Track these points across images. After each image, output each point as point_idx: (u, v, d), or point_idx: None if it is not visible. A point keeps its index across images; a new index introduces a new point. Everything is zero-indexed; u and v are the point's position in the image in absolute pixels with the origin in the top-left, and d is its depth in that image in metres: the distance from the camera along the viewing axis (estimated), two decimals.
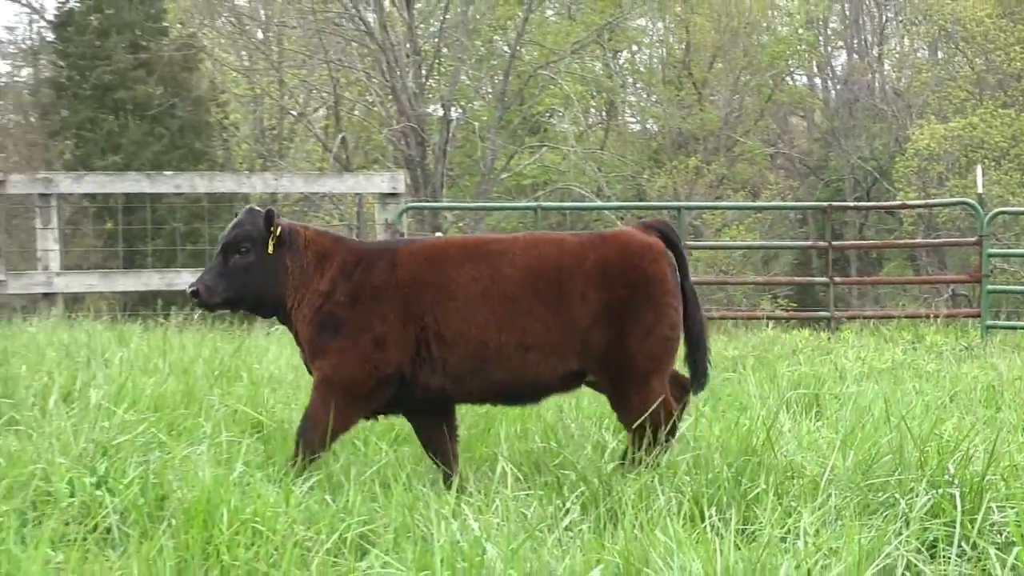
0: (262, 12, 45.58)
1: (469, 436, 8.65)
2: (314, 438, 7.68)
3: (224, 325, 14.25)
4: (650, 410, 7.73)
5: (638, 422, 7.73)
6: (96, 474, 6.78)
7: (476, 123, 41.81)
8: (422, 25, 41.30)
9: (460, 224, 38.51)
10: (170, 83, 42.54)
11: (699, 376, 8.19)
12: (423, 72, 39.50)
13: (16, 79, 55.95)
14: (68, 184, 18.55)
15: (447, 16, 40.22)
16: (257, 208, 8.09)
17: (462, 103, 44.33)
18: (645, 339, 7.85)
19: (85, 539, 6.25)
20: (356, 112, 44.47)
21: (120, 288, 19.36)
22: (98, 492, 6.62)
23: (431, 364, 7.80)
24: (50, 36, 49.25)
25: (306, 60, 41.73)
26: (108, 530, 6.39)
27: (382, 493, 6.98)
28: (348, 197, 38.34)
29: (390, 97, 39.09)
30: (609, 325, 7.83)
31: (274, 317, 8.36)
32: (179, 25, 45.49)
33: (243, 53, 45.63)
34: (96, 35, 43.26)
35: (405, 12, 38.84)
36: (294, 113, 43.73)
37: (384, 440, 8.55)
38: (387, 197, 18.85)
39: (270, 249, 7.95)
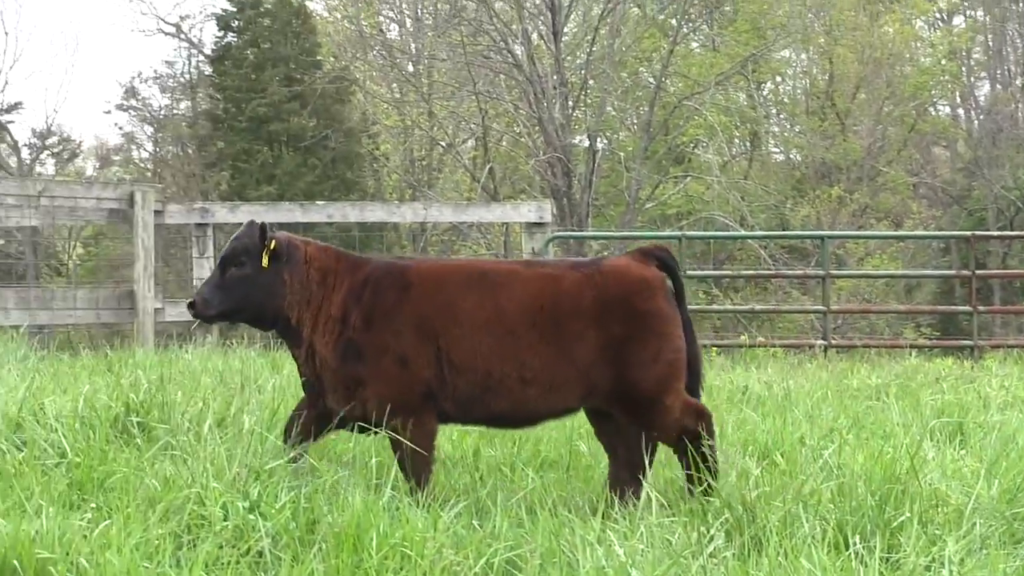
0: (413, 45, 45.99)
1: None
2: (417, 464, 7.74)
3: None
4: (675, 420, 7.85)
5: (671, 438, 7.87)
6: (249, 498, 6.86)
7: (621, 153, 41.85)
8: (569, 57, 41.39)
9: (605, 253, 38.51)
10: (323, 115, 43.11)
11: None
12: (569, 103, 39.58)
13: (175, 112, 56.98)
14: (224, 214, 18.86)
15: (593, 48, 40.26)
16: (256, 222, 8.10)
17: (608, 134, 44.38)
18: (650, 367, 7.88)
19: (238, 562, 6.32)
20: (504, 143, 44.65)
21: None
22: (251, 516, 6.69)
23: (444, 387, 7.82)
24: (208, 70, 50.24)
25: (455, 92, 41.99)
26: (260, 554, 6.46)
27: (528, 519, 7.01)
28: (495, 226, 38.55)
29: (537, 128, 39.20)
30: (609, 361, 7.85)
31: (273, 331, 8.35)
32: (332, 59, 46.07)
33: (394, 85, 46.02)
34: (252, 69, 44.03)
35: (552, 45, 38.94)
36: (443, 144, 43.99)
37: (530, 467, 8.61)
38: (534, 227, 18.96)
39: (264, 262, 7.96)
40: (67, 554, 6.05)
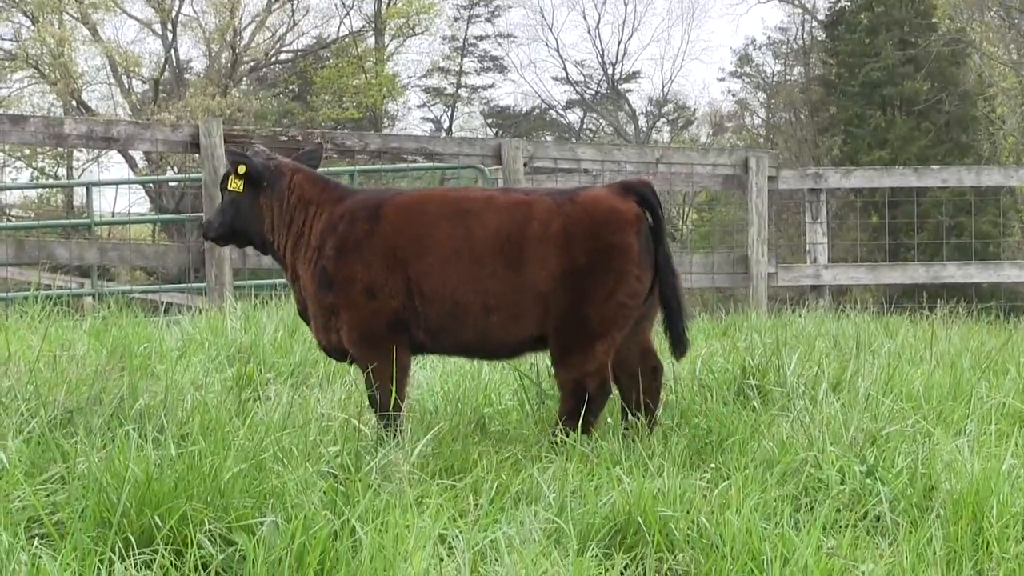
0: None
1: None
2: (384, 397, 7.70)
3: (989, 318, 13.96)
4: (588, 372, 7.60)
5: (572, 380, 7.62)
6: (865, 463, 6.84)
7: None
8: None
9: None
10: (937, 78, 42.52)
11: (678, 343, 7.94)
12: None
13: (788, 78, 57.48)
14: (837, 179, 18.80)
15: None
16: (232, 148, 8.27)
17: None
18: (602, 304, 7.61)
19: (855, 526, 6.34)
20: None
21: (886, 281, 19.39)
22: (868, 480, 6.69)
23: (415, 316, 7.72)
24: (821, 35, 50.41)
25: None
26: (878, 518, 6.46)
27: None
28: None
29: None
30: (567, 290, 7.61)
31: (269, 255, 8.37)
32: (947, 20, 45.26)
33: (1011, 47, 44.79)
34: (865, 33, 43.89)
35: None
36: None
37: None
38: None
39: (230, 186, 8.03)
40: (687, 512, 6.21)
